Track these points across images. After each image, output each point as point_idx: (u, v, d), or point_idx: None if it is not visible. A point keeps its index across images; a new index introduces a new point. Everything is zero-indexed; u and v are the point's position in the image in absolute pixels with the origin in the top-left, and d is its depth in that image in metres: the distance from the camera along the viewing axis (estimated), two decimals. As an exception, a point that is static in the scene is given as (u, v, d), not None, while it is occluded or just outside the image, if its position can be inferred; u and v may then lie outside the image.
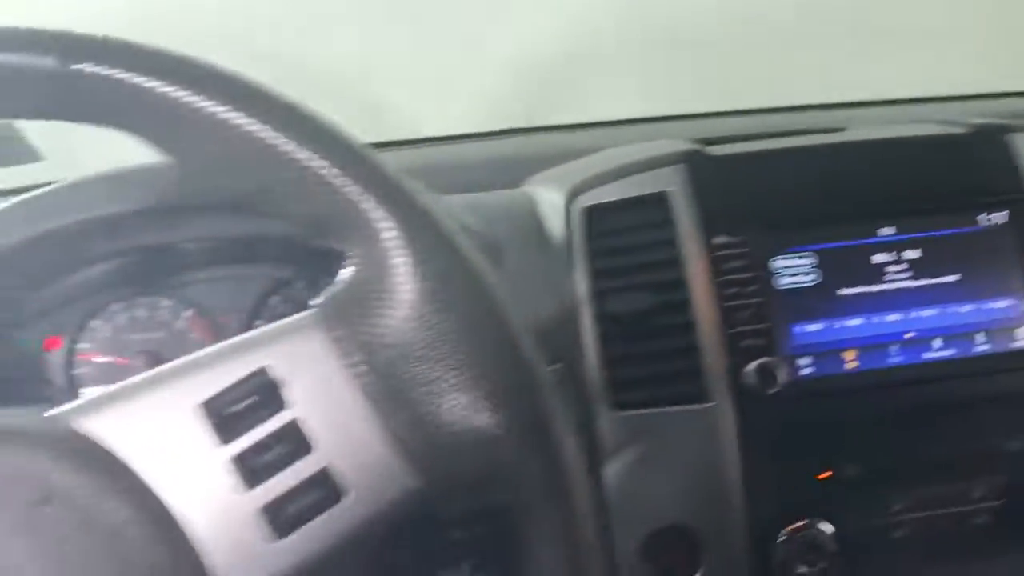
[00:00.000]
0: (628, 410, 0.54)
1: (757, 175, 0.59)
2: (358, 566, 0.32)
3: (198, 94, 0.31)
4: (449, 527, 0.38)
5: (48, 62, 0.30)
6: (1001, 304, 0.58)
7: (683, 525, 0.53)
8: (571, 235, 0.58)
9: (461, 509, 0.33)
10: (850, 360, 0.56)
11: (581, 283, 0.56)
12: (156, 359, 0.68)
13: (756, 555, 0.54)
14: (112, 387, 0.31)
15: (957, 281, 0.57)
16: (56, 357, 0.68)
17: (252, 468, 0.30)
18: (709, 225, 0.57)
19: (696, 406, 0.54)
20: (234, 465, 0.30)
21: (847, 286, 0.57)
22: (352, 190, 0.31)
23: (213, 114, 0.31)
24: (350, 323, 0.31)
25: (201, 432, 0.30)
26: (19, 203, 0.55)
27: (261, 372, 0.31)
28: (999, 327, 0.57)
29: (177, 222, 0.59)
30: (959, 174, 0.60)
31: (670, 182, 0.58)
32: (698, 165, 0.58)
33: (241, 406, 0.30)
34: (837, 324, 0.57)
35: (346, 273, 0.32)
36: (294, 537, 0.30)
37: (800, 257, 0.57)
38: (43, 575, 0.27)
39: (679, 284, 0.56)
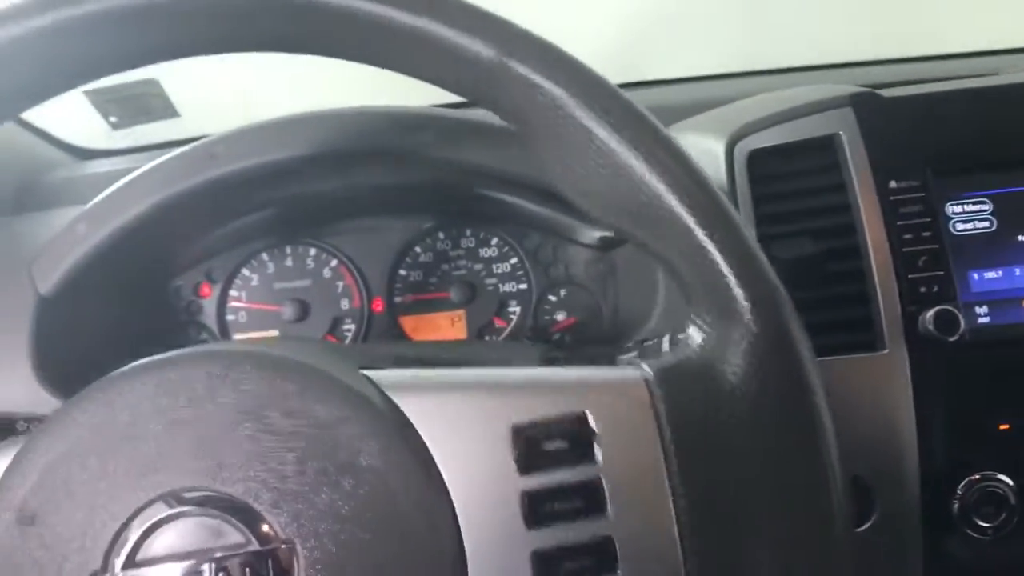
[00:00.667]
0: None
1: (930, 118, 0.57)
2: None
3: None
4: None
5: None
6: None
7: (856, 474, 0.52)
8: (733, 181, 0.57)
9: None
10: (1031, 309, 0.54)
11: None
12: (304, 307, 0.70)
13: (931, 505, 0.52)
14: (433, 372, 0.32)
15: None
16: (209, 304, 0.71)
17: (539, 509, 0.30)
18: (882, 169, 0.55)
19: (869, 354, 0.53)
20: (523, 499, 0.30)
21: (1025, 232, 0.55)
22: (721, 262, 0.31)
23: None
24: (677, 400, 0.31)
25: (504, 454, 0.30)
26: (194, 149, 0.56)
27: (581, 418, 0.30)
28: None
29: (338, 170, 0.60)
30: None
31: (839, 125, 0.56)
32: (869, 108, 0.56)
33: (551, 445, 0.30)
34: (1016, 271, 0.54)
35: (695, 339, 0.32)
36: None
37: (976, 203, 0.55)
38: (334, 529, 0.28)
39: (849, 229, 0.54)
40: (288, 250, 0.71)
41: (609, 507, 0.30)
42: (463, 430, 0.30)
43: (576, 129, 0.31)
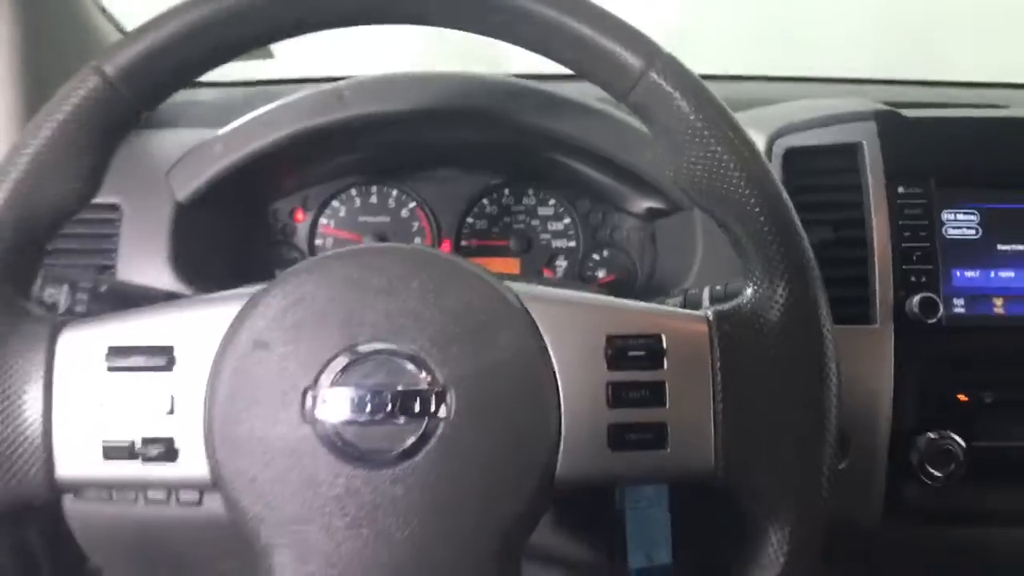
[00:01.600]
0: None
1: (940, 138, 0.68)
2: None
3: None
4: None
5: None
6: None
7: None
8: (770, 172, 0.68)
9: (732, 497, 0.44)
10: (998, 305, 0.66)
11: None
12: (382, 240, 0.82)
13: (894, 455, 0.64)
14: (552, 289, 0.44)
15: (1104, 249, 0.66)
16: (302, 228, 0.82)
17: (618, 395, 0.42)
18: (893, 176, 0.66)
19: (863, 327, 0.65)
20: (608, 387, 0.42)
21: (1004, 242, 0.66)
22: (775, 240, 0.43)
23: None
24: (731, 333, 0.43)
25: (599, 353, 0.42)
26: (324, 91, 0.67)
27: (657, 337, 0.43)
28: None
29: (442, 125, 0.71)
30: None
31: (863, 135, 0.67)
32: (889, 123, 0.68)
33: (634, 353, 0.42)
34: (991, 274, 0.66)
35: (747, 293, 0.44)
36: (620, 454, 0.42)
37: (967, 213, 0.67)
38: (476, 383, 0.40)
39: (860, 223, 0.66)
40: (374, 189, 0.82)
41: (668, 402, 0.42)
42: (571, 332, 0.42)
43: (693, 132, 0.42)
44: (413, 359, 0.41)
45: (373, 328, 0.41)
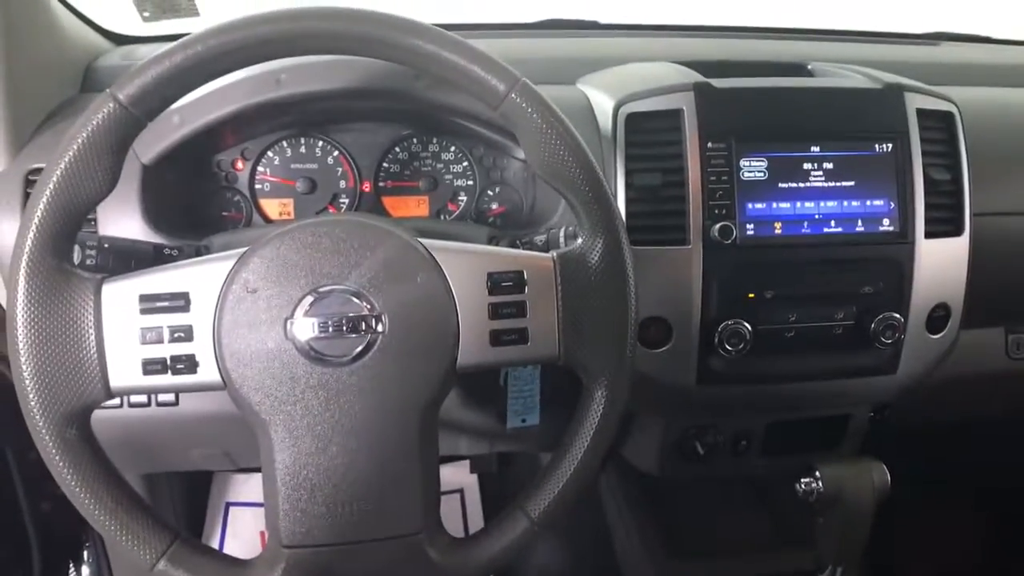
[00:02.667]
0: (639, 246, 0.88)
1: (740, 103, 0.91)
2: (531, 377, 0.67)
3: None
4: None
5: None
6: (877, 203, 0.92)
7: (662, 316, 0.88)
8: (615, 131, 0.89)
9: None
10: (778, 228, 0.90)
11: (619, 163, 0.89)
12: (312, 183, 0.99)
13: (702, 337, 0.90)
14: (451, 243, 0.65)
15: (852, 185, 0.91)
16: (242, 176, 0.99)
17: (496, 311, 0.63)
18: (704, 134, 0.88)
19: (680, 247, 0.88)
20: (489, 307, 0.63)
21: (783, 182, 0.90)
22: (595, 208, 0.65)
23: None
24: (568, 268, 0.65)
25: (482, 286, 0.63)
26: (263, 73, 0.83)
27: (520, 272, 0.64)
28: (872, 217, 0.92)
29: (356, 97, 0.88)
30: (868, 116, 0.92)
31: (684, 102, 0.89)
32: (703, 93, 0.89)
33: (505, 283, 0.64)
34: (773, 205, 0.90)
35: (578, 242, 0.66)
36: (498, 348, 0.64)
37: (757, 160, 0.90)
38: (402, 309, 0.62)
39: (680, 170, 0.88)
40: (303, 141, 0.99)
41: (528, 313, 0.64)
42: (465, 272, 0.63)
43: (542, 135, 0.62)
44: (358, 295, 0.61)
45: (329, 276, 0.61)
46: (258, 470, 0.64)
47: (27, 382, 0.59)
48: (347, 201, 1.00)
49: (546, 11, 1.33)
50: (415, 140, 1.01)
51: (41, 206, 0.58)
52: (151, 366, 0.61)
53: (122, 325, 0.61)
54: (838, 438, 1.04)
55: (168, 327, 0.61)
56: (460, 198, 1.02)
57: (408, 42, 0.60)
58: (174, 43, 0.60)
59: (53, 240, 0.59)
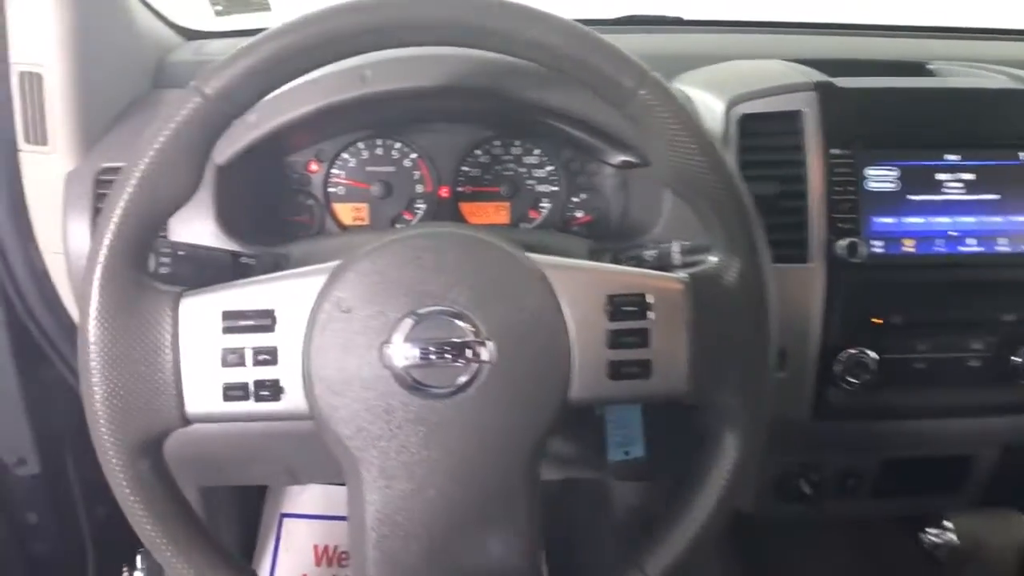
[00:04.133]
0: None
1: (866, 106, 0.81)
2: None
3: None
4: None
5: None
6: (1021, 219, 0.82)
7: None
8: (727, 134, 0.81)
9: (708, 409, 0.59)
10: (908, 246, 0.81)
11: (731, 170, 0.80)
12: (388, 187, 0.93)
13: (822, 367, 0.81)
14: (565, 260, 0.58)
15: (994, 199, 0.81)
16: (316, 178, 0.93)
17: (615, 339, 0.55)
18: (827, 139, 0.79)
19: (800, 265, 0.79)
20: (608, 333, 0.55)
21: (915, 194, 0.81)
22: (735, 219, 0.57)
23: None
24: (699, 291, 0.56)
25: (600, 309, 0.56)
26: (348, 69, 0.76)
27: (642, 296, 0.56)
28: (1017, 235, 0.81)
29: (444, 96, 0.81)
30: (1010, 121, 0.82)
31: (804, 104, 0.80)
32: (826, 93, 0.80)
33: (627, 308, 0.55)
34: (903, 220, 0.81)
35: (711, 260, 0.58)
36: (616, 383, 0.56)
37: (886, 169, 0.81)
38: (510, 333, 0.54)
39: (799, 179, 0.79)
40: (379, 142, 0.93)
41: (652, 343, 0.56)
42: (581, 294, 0.55)
43: (674, 138, 0.54)
44: (462, 318, 0.54)
45: (430, 295, 0.54)
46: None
47: (98, 406, 0.52)
48: (423, 207, 0.93)
49: (622, 7, 1.25)
50: (497, 142, 0.94)
51: (120, 209, 0.52)
52: (233, 391, 0.54)
53: (202, 345, 0.54)
54: (960, 481, 0.94)
55: (252, 348, 0.54)
56: (543, 205, 0.94)
57: (529, 33, 0.53)
58: (263, 33, 0.53)
59: (131, 248, 0.53)
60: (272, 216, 0.90)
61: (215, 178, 0.79)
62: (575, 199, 0.94)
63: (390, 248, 0.54)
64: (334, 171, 0.93)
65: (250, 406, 0.54)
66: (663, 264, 0.70)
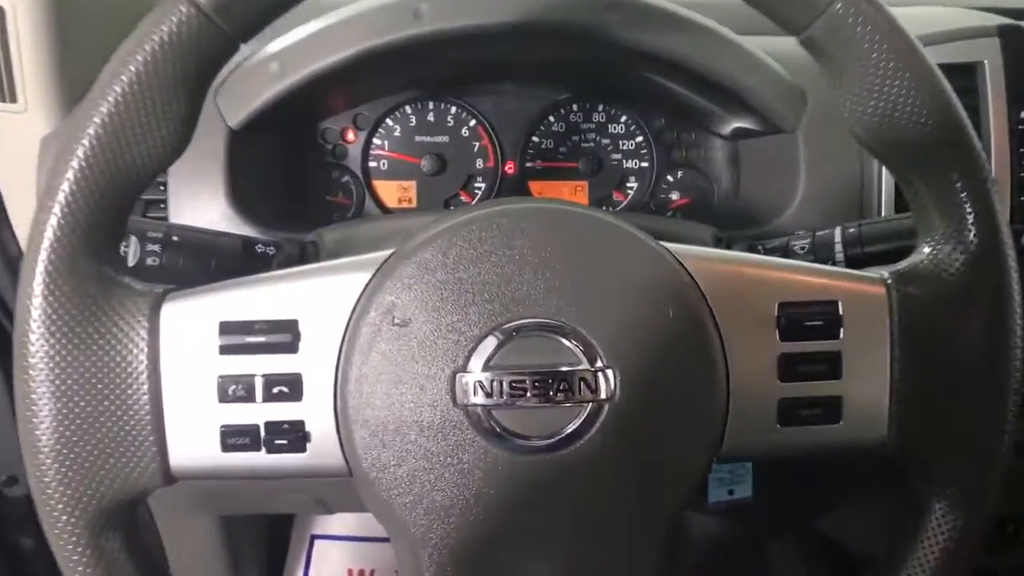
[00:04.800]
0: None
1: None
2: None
3: None
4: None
5: None
6: None
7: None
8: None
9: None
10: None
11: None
12: (441, 161, 0.76)
13: None
14: (712, 251, 0.40)
15: None
16: (354, 149, 0.76)
17: (791, 368, 0.38)
18: (1015, 99, 0.61)
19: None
20: (780, 359, 0.38)
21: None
22: (966, 193, 0.38)
23: None
24: (910, 296, 0.39)
25: (771, 324, 0.38)
26: (398, 3, 0.60)
27: (833, 304, 0.38)
28: None
29: (519, 41, 0.64)
30: None
31: (985, 53, 0.61)
32: (1014, 40, 0.62)
33: (810, 322, 0.38)
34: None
35: (924, 251, 0.40)
36: (790, 430, 0.38)
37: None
38: (642, 363, 0.37)
39: (979, 150, 0.61)
40: (431, 105, 0.76)
41: (844, 374, 0.38)
42: (741, 300, 0.38)
43: (880, 73, 0.37)
44: (571, 336, 0.36)
45: (524, 302, 0.37)
46: None
47: (43, 463, 0.36)
48: (484, 185, 0.76)
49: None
50: (575, 107, 0.76)
51: (72, 172, 0.36)
52: (236, 438, 0.38)
53: (193, 369, 0.38)
54: None
55: (263, 376, 0.37)
56: (630, 184, 0.77)
57: None
58: None
59: (89, 228, 0.37)
60: (299, 196, 0.74)
61: (227, 146, 0.63)
62: (669, 177, 0.77)
63: (464, 232, 0.37)
64: (376, 141, 0.76)
65: (260, 459, 0.38)
66: (817, 256, 0.52)
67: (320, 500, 0.86)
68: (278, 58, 0.62)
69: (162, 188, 0.64)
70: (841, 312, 0.38)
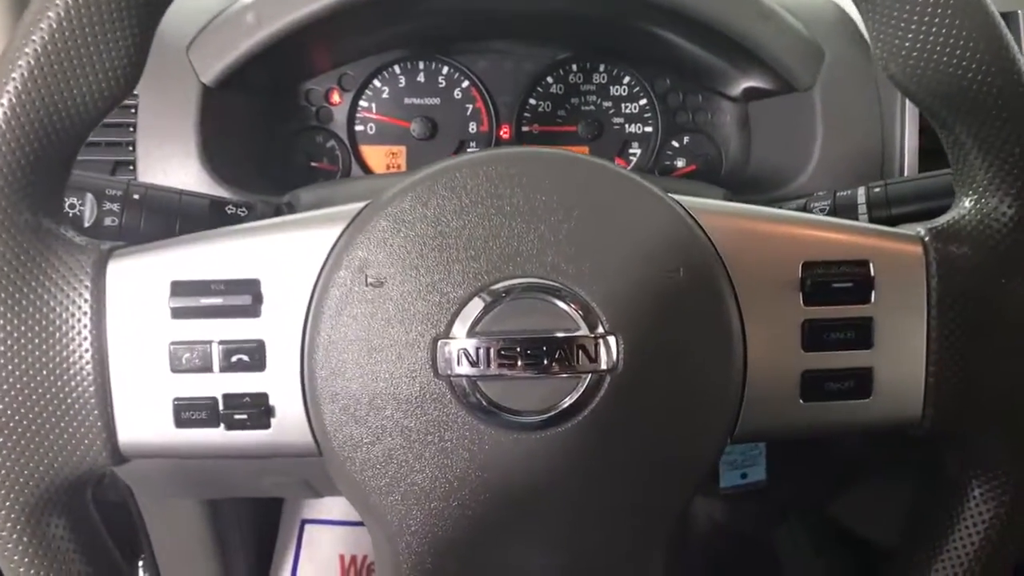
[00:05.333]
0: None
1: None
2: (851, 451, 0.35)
3: None
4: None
5: None
6: None
7: None
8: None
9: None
10: None
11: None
12: (432, 125, 0.71)
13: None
14: (729, 204, 0.35)
15: None
16: (339, 112, 0.71)
17: (816, 336, 0.33)
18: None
19: None
20: (804, 326, 0.33)
21: None
22: (1016, 140, 0.34)
23: None
24: (950, 255, 0.34)
25: (793, 286, 0.33)
26: None
27: (864, 264, 0.34)
28: None
29: None
30: None
31: (1022, 3, 0.57)
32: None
33: (838, 284, 0.34)
34: None
35: (965, 205, 0.35)
36: (814, 405, 0.34)
37: None
38: (650, 325, 0.32)
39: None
40: (421, 65, 0.71)
41: (875, 343, 0.34)
42: (760, 258, 0.34)
43: (925, 6, 0.32)
44: (569, 298, 0.32)
45: (514, 259, 0.32)
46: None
47: None
48: (478, 151, 0.72)
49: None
50: (574, 67, 0.72)
51: (2, 105, 0.31)
52: (191, 411, 0.33)
53: (142, 335, 0.33)
54: None
55: (221, 343, 0.33)
56: (632, 150, 0.73)
57: None
58: None
59: (25, 173, 0.32)
60: (279, 161, 0.69)
61: (200, 102, 0.59)
62: (674, 143, 0.72)
63: (447, 180, 0.33)
64: (362, 103, 0.71)
65: (218, 435, 0.34)
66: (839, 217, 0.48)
67: (307, 482, 0.82)
68: (254, 8, 0.58)
69: (131, 148, 0.59)
70: (873, 273, 0.34)
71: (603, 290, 0.32)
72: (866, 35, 0.61)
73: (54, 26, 0.31)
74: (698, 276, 0.33)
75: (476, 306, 0.32)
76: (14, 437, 0.32)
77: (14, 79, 0.31)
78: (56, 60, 0.31)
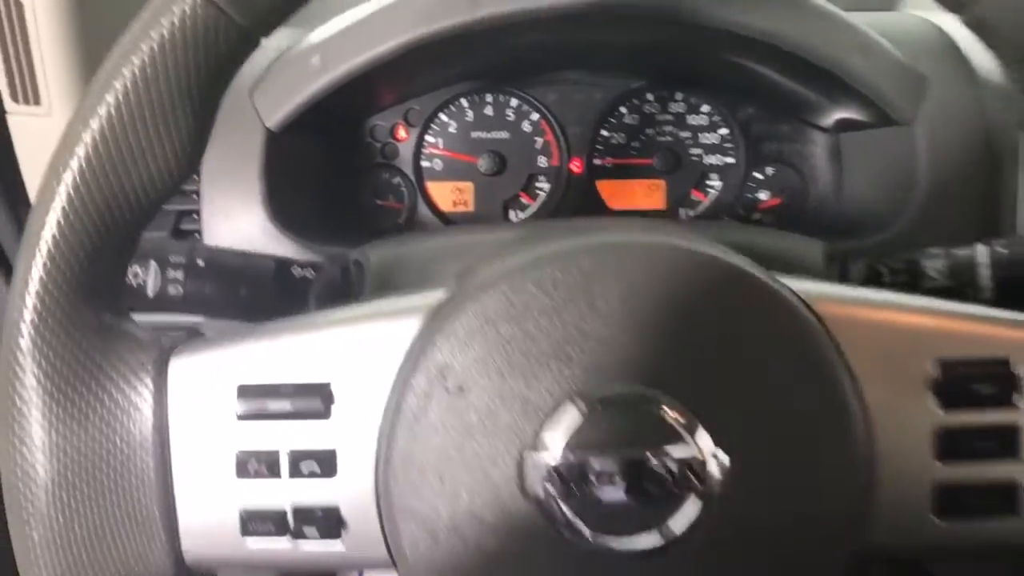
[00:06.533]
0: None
1: None
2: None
3: None
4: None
5: None
6: None
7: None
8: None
9: None
10: None
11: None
12: (500, 160, 0.68)
13: None
14: (851, 289, 0.32)
15: None
16: (405, 148, 0.69)
17: (953, 445, 0.30)
18: None
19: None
20: (939, 432, 0.30)
21: None
22: None
23: None
24: None
25: (925, 386, 0.30)
26: None
27: (1004, 362, 0.30)
28: None
29: (591, 24, 0.55)
30: None
31: None
32: None
33: (976, 386, 0.30)
34: None
35: None
36: (950, 524, 0.30)
37: None
38: (761, 446, 0.29)
39: None
40: (489, 98, 0.68)
41: (1020, 450, 0.30)
42: (887, 358, 0.30)
43: None
44: (671, 410, 0.29)
45: (612, 366, 0.29)
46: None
47: (34, 550, 0.30)
48: (547, 186, 0.69)
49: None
50: (649, 96, 0.68)
51: (56, 211, 0.29)
52: (258, 523, 0.31)
53: (204, 439, 0.31)
54: None
55: (290, 451, 0.31)
56: (711, 183, 0.68)
57: None
58: None
59: (82, 274, 0.30)
60: (345, 202, 0.67)
61: (265, 149, 0.57)
62: (757, 175, 0.68)
63: (536, 274, 0.30)
64: (428, 138, 0.69)
65: (287, 547, 0.31)
66: (960, 285, 0.43)
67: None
68: (320, 50, 0.56)
69: (195, 197, 0.58)
70: (1016, 371, 0.30)
71: (710, 401, 0.28)
72: (973, 63, 0.57)
73: (107, 119, 0.29)
74: (818, 379, 0.29)
75: (568, 418, 0.29)
76: (74, 550, 0.30)
77: (71, 171, 0.29)
78: (111, 155, 0.29)
